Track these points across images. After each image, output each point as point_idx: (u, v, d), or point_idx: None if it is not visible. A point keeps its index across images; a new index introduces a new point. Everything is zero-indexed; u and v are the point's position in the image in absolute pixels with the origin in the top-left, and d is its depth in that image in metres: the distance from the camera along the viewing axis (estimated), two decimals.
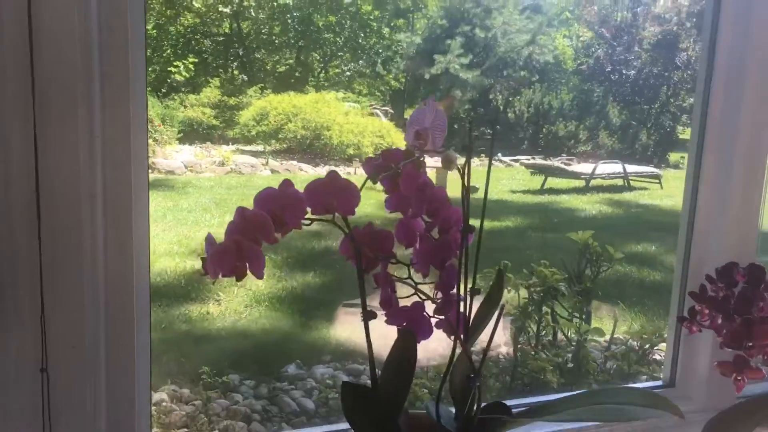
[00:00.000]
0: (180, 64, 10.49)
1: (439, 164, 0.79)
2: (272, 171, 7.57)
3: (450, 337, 0.83)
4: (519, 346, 1.88)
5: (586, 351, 1.88)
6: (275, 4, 11.95)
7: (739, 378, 0.82)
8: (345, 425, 1.08)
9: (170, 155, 7.92)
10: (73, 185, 0.78)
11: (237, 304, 3.01)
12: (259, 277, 0.70)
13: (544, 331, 1.92)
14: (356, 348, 2.49)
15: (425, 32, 11.98)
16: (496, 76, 11.32)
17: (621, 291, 3.09)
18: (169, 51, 11.64)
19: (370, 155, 0.76)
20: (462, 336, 0.83)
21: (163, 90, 10.55)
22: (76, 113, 0.77)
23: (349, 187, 0.73)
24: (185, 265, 3.57)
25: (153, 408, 1.98)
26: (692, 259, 1.20)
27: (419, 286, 0.84)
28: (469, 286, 0.83)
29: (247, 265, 0.69)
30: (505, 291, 1.91)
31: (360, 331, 0.83)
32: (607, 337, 2.02)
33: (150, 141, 7.80)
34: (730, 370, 0.83)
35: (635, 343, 1.91)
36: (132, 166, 0.83)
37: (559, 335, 1.97)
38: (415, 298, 0.82)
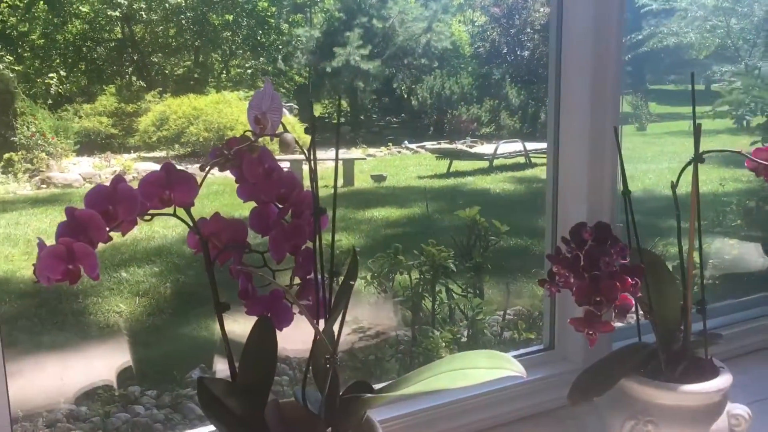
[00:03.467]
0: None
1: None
2: None
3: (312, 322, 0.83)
4: (417, 326, 1.92)
5: (481, 324, 1.94)
6: (167, 5, 11.61)
7: (590, 332, 0.86)
8: None
9: (66, 168, 7.60)
10: None
11: (139, 314, 2.92)
12: (95, 278, 0.67)
13: (439, 309, 1.96)
14: None
15: (324, 26, 11.93)
16: (397, 65, 11.41)
17: (522, 263, 3.18)
18: (58, 60, 11.14)
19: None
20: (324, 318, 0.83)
21: (58, 100, 10.09)
22: None
23: (185, 178, 0.71)
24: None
25: (48, 430, 1.90)
26: (558, 225, 1.25)
27: (278, 273, 0.83)
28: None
29: (81, 267, 0.67)
30: (398, 274, 1.95)
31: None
32: (500, 308, 2.08)
33: (43, 155, 7.46)
34: (582, 325, 0.87)
35: (525, 311, 1.99)
36: None
37: (457, 311, 2.02)
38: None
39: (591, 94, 1.16)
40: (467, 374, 0.67)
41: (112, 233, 0.69)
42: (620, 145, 1.00)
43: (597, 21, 1.14)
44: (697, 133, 0.99)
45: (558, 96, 1.22)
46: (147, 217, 0.72)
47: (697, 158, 0.99)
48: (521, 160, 7.79)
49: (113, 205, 0.68)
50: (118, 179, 0.69)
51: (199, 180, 0.72)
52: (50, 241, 0.68)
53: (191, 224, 0.74)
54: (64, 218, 0.67)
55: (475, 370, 0.68)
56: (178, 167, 0.71)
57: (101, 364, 2.50)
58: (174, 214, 0.73)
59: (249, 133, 0.77)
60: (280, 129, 0.75)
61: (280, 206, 0.81)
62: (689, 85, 1.01)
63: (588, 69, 1.15)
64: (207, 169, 0.70)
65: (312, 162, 0.79)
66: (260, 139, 0.78)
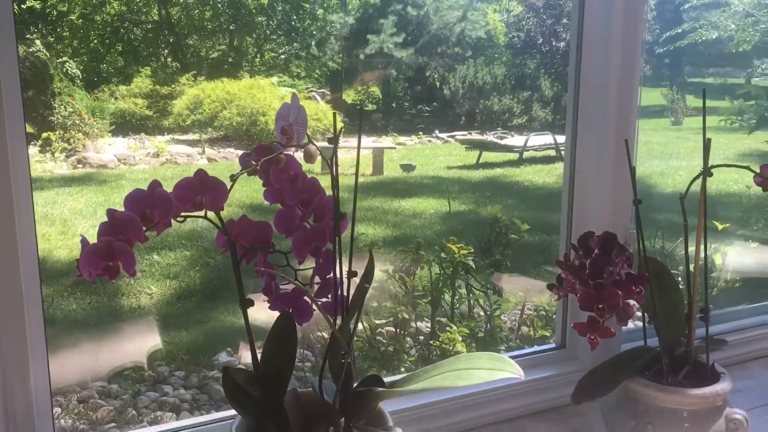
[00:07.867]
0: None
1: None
2: (209, 159, 7.50)
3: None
4: (435, 320, 1.98)
5: (498, 320, 1.99)
6: None
7: (592, 337, 0.91)
8: None
9: (102, 149, 7.76)
10: None
11: (169, 297, 3.02)
12: (132, 274, 0.74)
13: (458, 304, 2.01)
14: None
15: (358, 12, 11.96)
16: (430, 54, 11.40)
17: (544, 259, 3.21)
18: (96, 42, 11.33)
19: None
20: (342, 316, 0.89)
21: (95, 80, 10.27)
22: None
23: (216, 184, 0.77)
24: None
25: (81, 405, 2.00)
26: (573, 228, 1.29)
27: (300, 273, 0.89)
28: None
29: (119, 264, 0.74)
30: (419, 268, 2.00)
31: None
32: (519, 304, 2.13)
33: (80, 135, 7.62)
34: (584, 330, 0.91)
35: (543, 308, 2.04)
36: (10, 166, 0.85)
37: (476, 307, 2.07)
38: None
39: (615, 105, 1.19)
40: (470, 374, 0.73)
41: (147, 233, 0.75)
42: (630, 156, 1.04)
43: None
44: (706, 148, 1.03)
45: (576, 105, 1.26)
46: (180, 219, 0.78)
47: (706, 173, 1.02)
48: (551, 153, 7.76)
49: (150, 208, 0.74)
50: (155, 184, 0.75)
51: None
52: (92, 239, 0.74)
53: (220, 226, 0.80)
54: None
55: (477, 371, 0.73)
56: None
57: (132, 344, 2.61)
58: (205, 217, 0.79)
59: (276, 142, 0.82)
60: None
61: (303, 210, 0.86)
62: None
63: (609, 79, 1.19)
64: (236, 177, 0.76)
65: (334, 169, 0.84)
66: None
